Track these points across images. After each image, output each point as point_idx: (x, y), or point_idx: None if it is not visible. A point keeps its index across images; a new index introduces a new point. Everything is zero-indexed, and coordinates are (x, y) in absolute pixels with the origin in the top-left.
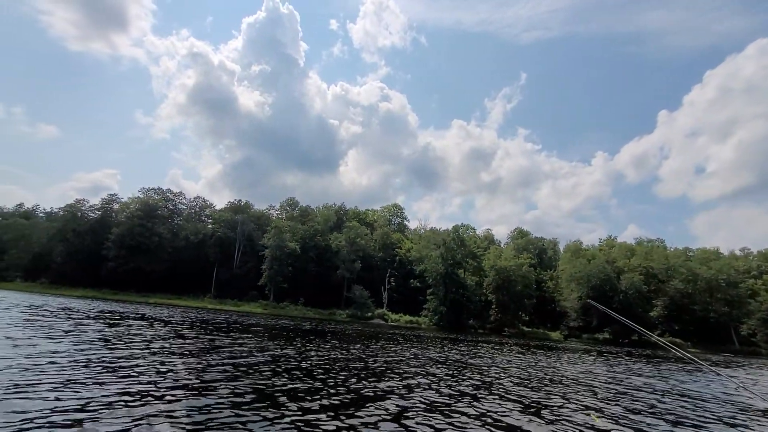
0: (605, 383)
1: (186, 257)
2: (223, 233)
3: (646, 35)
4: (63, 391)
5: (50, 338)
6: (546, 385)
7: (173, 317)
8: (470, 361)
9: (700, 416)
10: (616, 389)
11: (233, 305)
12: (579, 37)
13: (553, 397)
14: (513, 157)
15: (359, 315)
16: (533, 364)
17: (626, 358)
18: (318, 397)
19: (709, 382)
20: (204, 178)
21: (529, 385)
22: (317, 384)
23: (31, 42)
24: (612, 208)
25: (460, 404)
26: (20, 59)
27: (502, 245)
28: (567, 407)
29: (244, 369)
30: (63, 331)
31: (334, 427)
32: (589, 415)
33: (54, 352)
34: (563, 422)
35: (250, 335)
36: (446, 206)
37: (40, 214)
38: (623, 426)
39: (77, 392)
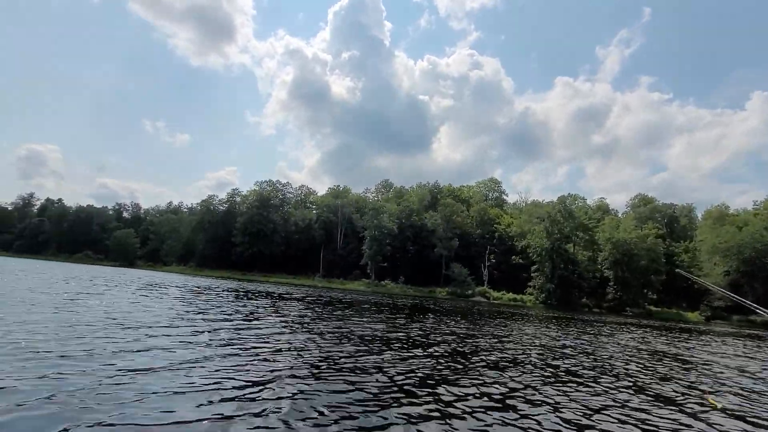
0: None
1: (296, 241)
2: (326, 217)
3: None
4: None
5: (255, 320)
6: None
7: (306, 296)
8: (660, 348)
9: None
10: None
11: (339, 284)
12: None
13: None
14: (633, 112)
15: (459, 293)
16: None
17: None
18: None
19: None
20: (306, 167)
21: None
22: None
23: (165, 62)
24: None
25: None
26: (158, 79)
27: (619, 215)
28: None
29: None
30: (236, 311)
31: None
32: (706, 400)
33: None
34: None
35: (388, 314)
36: (550, 176)
37: (185, 210)
38: None
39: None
